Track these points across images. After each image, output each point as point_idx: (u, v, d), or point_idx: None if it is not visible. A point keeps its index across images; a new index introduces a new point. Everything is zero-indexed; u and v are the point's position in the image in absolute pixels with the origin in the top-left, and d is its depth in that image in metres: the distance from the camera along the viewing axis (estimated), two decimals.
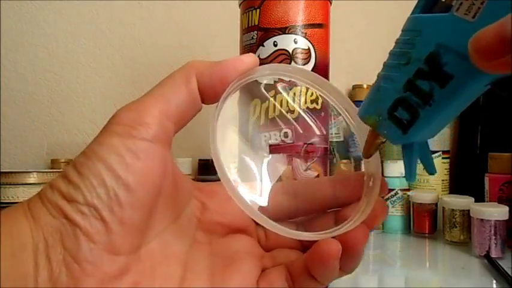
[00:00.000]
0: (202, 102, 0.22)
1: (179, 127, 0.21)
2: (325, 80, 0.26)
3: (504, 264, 0.46)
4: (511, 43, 0.14)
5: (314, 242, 0.21)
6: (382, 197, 0.24)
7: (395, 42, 0.20)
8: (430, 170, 0.22)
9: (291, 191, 0.26)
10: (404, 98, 0.19)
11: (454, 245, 0.57)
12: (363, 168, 0.26)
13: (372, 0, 0.77)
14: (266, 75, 0.24)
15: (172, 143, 0.21)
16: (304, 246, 0.24)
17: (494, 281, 0.43)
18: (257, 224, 0.24)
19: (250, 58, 0.23)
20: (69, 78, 0.71)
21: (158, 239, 0.21)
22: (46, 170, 0.49)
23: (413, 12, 0.20)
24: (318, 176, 0.34)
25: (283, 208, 0.25)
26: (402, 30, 0.20)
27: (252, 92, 0.33)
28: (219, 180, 0.21)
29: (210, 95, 0.21)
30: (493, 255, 0.49)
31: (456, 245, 0.56)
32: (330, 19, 0.39)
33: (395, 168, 0.66)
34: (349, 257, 0.20)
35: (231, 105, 0.23)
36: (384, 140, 0.22)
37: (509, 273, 0.43)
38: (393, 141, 0.21)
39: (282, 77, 0.25)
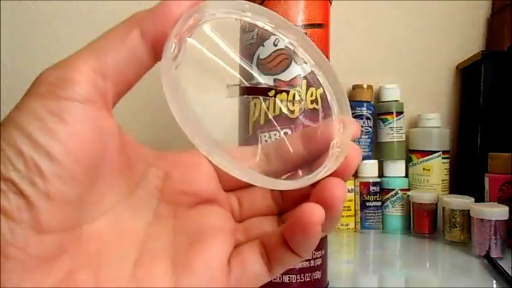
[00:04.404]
0: (159, 56, 0.18)
1: (122, 89, 0.18)
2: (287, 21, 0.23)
3: (504, 264, 0.46)
4: None
5: (291, 204, 0.20)
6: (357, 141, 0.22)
7: None
8: None
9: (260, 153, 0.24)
10: None
11: (454, 245, 0.57)
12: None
13: (372, 0, 0.77)
14: (217, 12, 0.21)
15: (113, 106, 0.18)
16: (281, 210, 0.23)
17: (494, 281, 0.43)
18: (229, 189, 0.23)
19: None
20: None
21: (108, 215, 0.19)
22: None
23: None
24: None
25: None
26: None
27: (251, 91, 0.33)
28: None
29: (162, 43, 0.18)
30: (493, 255, 0.49)
31: (456, 245, 0.56)
32: (330, 19, 0.39)
33: (396, 168, 0.67)
34: (328, 216, 0.18)
35: (190, 49, 0.19)
36: None
37: (509, 273, 0.43)
38: None
39: (237, 16, 0.22)
